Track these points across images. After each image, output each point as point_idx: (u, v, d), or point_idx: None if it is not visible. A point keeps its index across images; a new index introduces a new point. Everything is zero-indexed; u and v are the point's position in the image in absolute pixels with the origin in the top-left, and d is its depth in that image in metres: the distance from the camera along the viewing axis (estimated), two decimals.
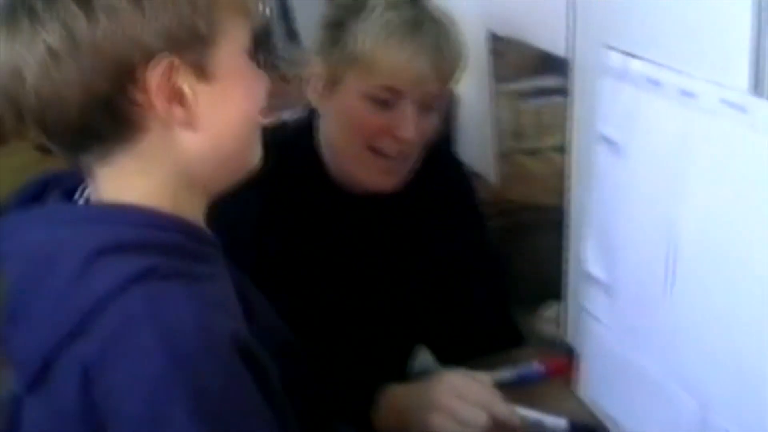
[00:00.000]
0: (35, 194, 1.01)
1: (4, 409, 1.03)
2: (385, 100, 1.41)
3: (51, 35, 0.88)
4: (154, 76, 0.90)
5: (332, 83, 1.45)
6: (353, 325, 1.52)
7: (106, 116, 0.91)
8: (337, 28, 1.45)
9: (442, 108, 1.52)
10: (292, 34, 3.29)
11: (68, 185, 1.02)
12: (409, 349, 1.68)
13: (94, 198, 0.99)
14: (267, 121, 1.08)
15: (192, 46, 0.93)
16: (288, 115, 1.67)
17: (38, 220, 0.97)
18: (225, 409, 0.86)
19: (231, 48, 0.96)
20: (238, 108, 0.99)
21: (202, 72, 0.94)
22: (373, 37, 1.41)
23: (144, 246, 0.91)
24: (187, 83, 0.93)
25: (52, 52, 0.89)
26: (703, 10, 1.05)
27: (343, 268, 1.53)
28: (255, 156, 1.05)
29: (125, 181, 0.96)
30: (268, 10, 3.29)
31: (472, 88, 1.92)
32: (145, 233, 0.93)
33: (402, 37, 1.40)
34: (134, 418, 0.84)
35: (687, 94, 1.08)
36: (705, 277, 1.09)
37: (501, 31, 1.79)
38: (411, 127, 1.41)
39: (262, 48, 1.03)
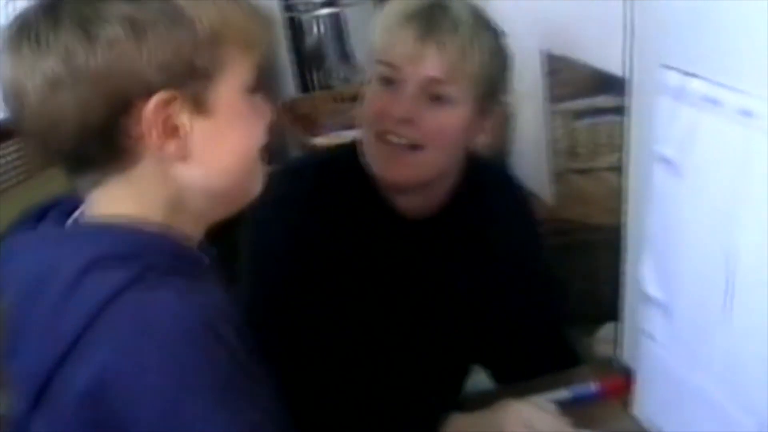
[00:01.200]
0: (37, 219, 1.03)
1: (12, 426, 1.04)
2: (389, 79, 1.42)
3: (51, 62, 0.89)
4: (150, 110, 0.91)
5: (366, 85, 1.49)
6: (408, 349, 1.52)
7: (101, 145, 0.93)
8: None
9: (480, 123, 1.50)
10: (345, 55, 3.32)
11: (66, 208, 1.03)
12: (465, 370, 1.68)
13: (84, 217, 1.00)
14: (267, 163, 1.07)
15: (191, 81, 0.93)
16: (343, 137, 1.69)
17: (31, 242, 0.99)
18: (236, 387, 0.90)
19: (231, 83, 0.97)
20: (235, 144, 0.99)
21: (200, 106, 0.94)
22: (382, 21, 1.45)
23: (130, 258, 0.91)
24: (183, 117, 0.94)
25: (50, 79, 0.90)
26: (762, 28, 1.04)
27: (397, 292, 1.52)
28: (254, 189, 1.05)
29: (117, 204, 0.97)
30: (322, 30, 3.33)
31: (527, 107, 1.93)
32: (130, 247, 0.93)
33: (403, 18, 1.43)
34: (152, 417, 0.86)
35: (746, 113, 1.07)
36: (764, 297, 1.08)
37: (556, 50, 1.79)
38: (402, 104, 1.41)
39: (268, 81, 1.01)
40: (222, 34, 0.94)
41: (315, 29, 3.34)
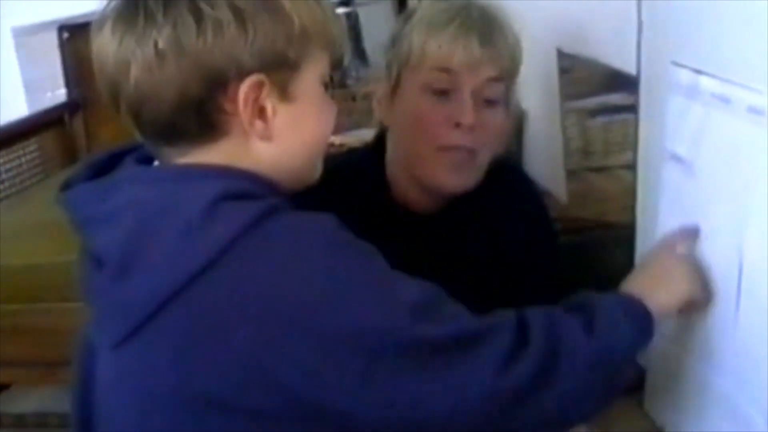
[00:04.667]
0: (103, 167, 1.10)
1: (80, 364, 1.13)
2: (442, 89, 1.43)
3: (161, 37, 0.98)
4: (244, 91, 1.01)
5: (394, 90, 1.49)
6: None
7: (195, 118, 1.01)
8: (393, 39, 1.49)
9: (508, 108, 1.51)
10: (360, 54, 3.32)
11: (140, 156, 1.10)
12: None
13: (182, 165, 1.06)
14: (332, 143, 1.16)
15: (280, 70, 1.03)
16: (357, 135, 1.69)
17: (141, 177, 1.06)
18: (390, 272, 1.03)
19: (312, 75, 1.07)
20: (310, 129, 1.10)
21: (284, 93, 1.04)
22: (421, 28, 1.45)
23: (255, 195, 1.01)
24: (270, 101, 1.03)
25: (159, 52, 0.98)
26: None
27: None
28: (315, 174, 1.15)
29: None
30: None
31: (540, 105, 1.93)
32: (251, 186, 1.03)
33: (448, 21, 1.43)
34: (327, 316, 0.95)
35: (756, 111, 1.07)
36: None
37: (569, 49, 1.79)
38: (470, 112, 1.42)
39: (335, 73, 1.11)
40: (311, 31, 1.05)
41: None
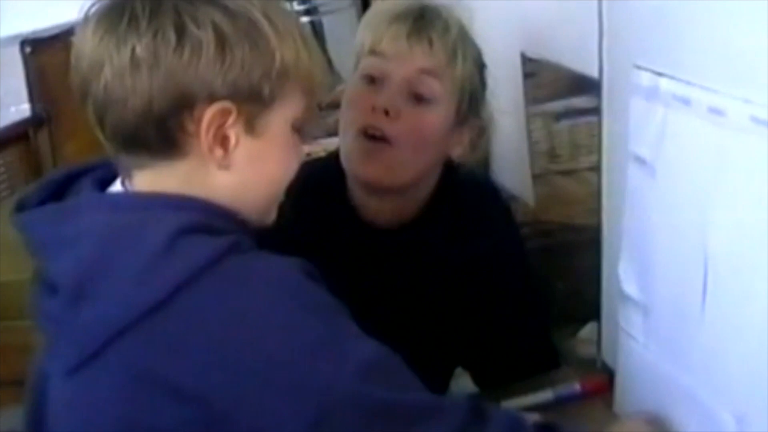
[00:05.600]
0: (58, 188, 1.09)
1: (32, 389, 1.12)
2: (373, 76, 1.45)
3: (140, 45, 0.97)
4: (209, 115, 0.99)
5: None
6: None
7: (156, 131, 1.00)
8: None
9: (461, 116, 1.52)
10: (326, 63, 3.32)
11: (97, 177, 1.09)
12: (449, 373, 1.68)
13: (133, 191, 1.06)
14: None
15: (251, 102, 1.02)
16: (324, 144, 1.69)
17: (101, 203, 1.05)
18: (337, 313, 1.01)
19: (283, 116, 1.05)
20: (270, 168, 1.08)
21: (251, 126, 1.03)
22: (370, 19, 1.50)
23: (217, 230, 1.00)
24: (234, 131, 1.02)
25: (134, 60, 0.97)
26: (731, 27, 1.05)
27: (369, 301, 1.50)
28: (269, 217, 1.13)
29: (159, 186, 1.04)
30: None
31: (505, 110, 1.93)
32: (214, 219, 1.02)
33: (388, 11, 1.47)
34: (281, 348, 0.94)
35: (716, 111, 1.08)
36: (739, 292, 1.09)
37: (533, 53, 1.80)
38: (390, 97, 1.43)
39: (308, 122, 1.12)
40: (291, 71, 1.03)
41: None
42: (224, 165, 1.03)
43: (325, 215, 1.50)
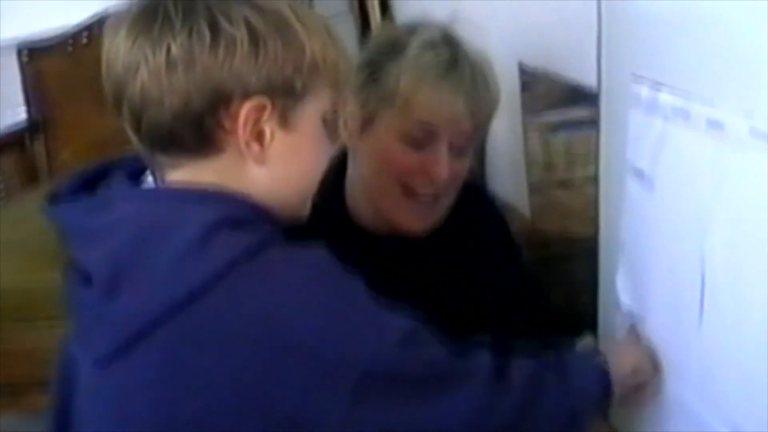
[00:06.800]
0: (90, 181, 1.10)
1: (60, 374, 1.13)
2: (420, 140, 1.42)
3: (176, 44, 0.98)
4: (246, 111, 1.01)
5: (367, 123, 1.46)
6: None
7: (194, 129, 1.01)
8: (374, 68, 1.46)
9: (475, 150, 1.52)
10: None
11: (128, 170, 1.11)
12: None
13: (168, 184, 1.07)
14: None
15: (285, 96, 1.03)
16: None
17: (134, 197, 1.07)
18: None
19: (314, 109, 1.07)
20: (304, 161, 1.10)
21: (285, 120, 1.04)
22: (411, 76, 1.42)
23: (252, 224, 1.01)
24: (269, 125, 1.03)
25: (170, 59, 0.98)
26: (730, 40, 1.06)
27: None
28: (303, 211, 1.15)
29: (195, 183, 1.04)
30: None
31: (502, 120, 1.92)
32: (249, 213, 1.03)
33: (439, 76, 1.42)
34: (317, 333, 0.97)
35: (715, 124, 1.08)
36: (735, 305, 1.09)
37: (530, 64, 1.80)
38: (445, 167, 1.42)
39: (336, 114, 1.13)
40: (321, 65, 1.05)
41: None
42: (261, 160, 1.04)
43: (322, 225, 1.49)
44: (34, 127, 3.51)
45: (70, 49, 3.26)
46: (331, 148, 1.14)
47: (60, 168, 3.30)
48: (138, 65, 0.99)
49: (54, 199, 1.10)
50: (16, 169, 3.51)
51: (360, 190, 1.52)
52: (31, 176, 3.51)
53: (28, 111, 3.53)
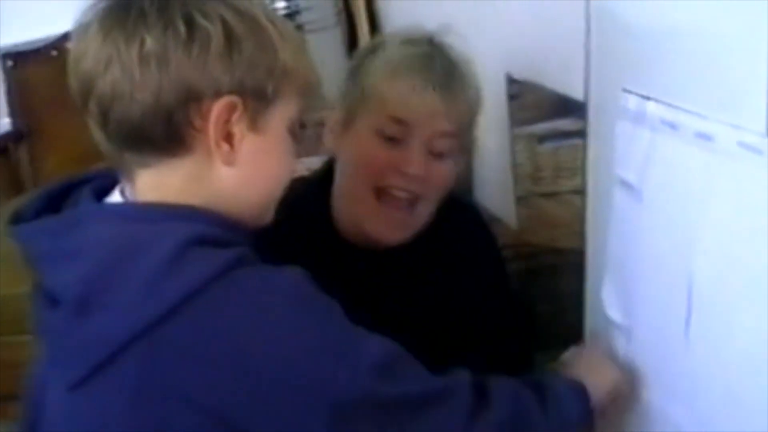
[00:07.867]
0: (54, 199, 1.09)
1: (29, 400, 1.11)
2: (394, 136, 1.40)
3: (150, 39, 0.97)
4: (217, 110, 1.00)
5: (347, 123, 1.46)
6: None
7: (163, 127, 1.00)
8: (355, 70, 1.47)
9: (459, 161, 1.50)
10: None
11: (96, 187, 1.09)
12: None
13: (134, 199, 1.05)
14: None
15: (255, 99, 1.03)
16: (305, 163, 1.67)
17: (102, 216, 1.04)
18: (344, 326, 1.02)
19: (282, 115, 1.07)
20: (271, 165, 1.09)
21: (254, 123, 1.04)
22: (383, 69, 1.42)
23: (224, 242, 1.00)
24: (239, 127, 1.02)
25: (143, 54, 0.97)
26: (720, 53, 1.05)
27: (358, 321, 1.50)
28: (267, 216, 1.13)
29: (163, 186, 1.04)
30: None
31: (489, 131, 1.92)
32: (220, 231, 1.02)
33: (412, 69, 1.41)
34: (293, 358, 0.96)
35: (704, 136, 1.08)
36: (724, 319, 1.08)
37: (518, 75, 1.80)
38: (419, 165, 1.40)
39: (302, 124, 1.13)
40: (291, 71, 1.05)
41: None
42: (230, 161, 1.03)
43: (307, 236, 1.48)
44: (17, 135, 3.50)
45: (55, 56, 3.25)
46: (295, 155, 1.13)
47: (45, 177, 3.28)
48: (110, 59, 0.98)
49: (17, 218, 1.07)
50: (0, 178, 3.49)
51: (340, 198, 1.50)
52: (15, 185, 3.50)
53: (12, 119, 3.52)
